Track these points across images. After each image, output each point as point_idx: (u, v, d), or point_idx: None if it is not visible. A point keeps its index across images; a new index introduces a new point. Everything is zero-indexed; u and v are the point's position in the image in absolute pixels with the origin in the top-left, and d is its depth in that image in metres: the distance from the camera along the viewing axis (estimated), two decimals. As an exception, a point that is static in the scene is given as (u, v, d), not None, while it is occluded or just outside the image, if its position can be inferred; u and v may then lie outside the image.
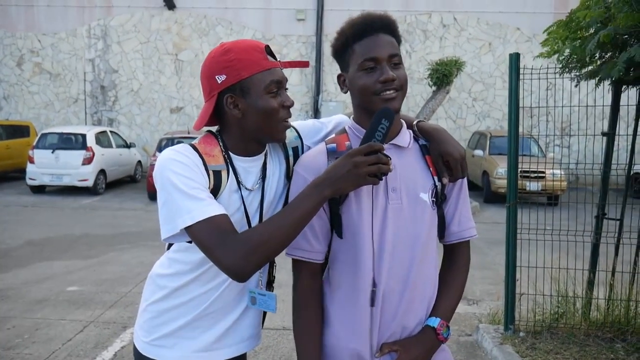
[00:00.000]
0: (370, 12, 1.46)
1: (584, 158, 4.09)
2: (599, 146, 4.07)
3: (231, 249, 1.32)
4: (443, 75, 10.39)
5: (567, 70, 3.89)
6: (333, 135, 1.56)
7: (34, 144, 12.28)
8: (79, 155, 11.92)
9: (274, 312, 1.58)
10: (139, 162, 14.47)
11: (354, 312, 1.45)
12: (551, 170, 9.73)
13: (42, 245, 7.38)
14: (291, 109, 1.52)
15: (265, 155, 1.57)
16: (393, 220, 1.44)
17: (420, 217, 1.46)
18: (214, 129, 1.56)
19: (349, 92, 1.50)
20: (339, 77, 1.51)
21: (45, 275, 5.93)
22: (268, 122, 1.47)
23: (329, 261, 1.53)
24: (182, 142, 1.52)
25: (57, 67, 16.10)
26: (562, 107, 4.27)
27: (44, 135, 12.36)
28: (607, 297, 4.07)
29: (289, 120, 1.53)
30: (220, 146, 1.51)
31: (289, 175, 1.59)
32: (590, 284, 4.15)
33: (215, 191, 1.45)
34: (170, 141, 11.30)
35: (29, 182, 11.98)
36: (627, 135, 4.03)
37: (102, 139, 12.69)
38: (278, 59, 1.50)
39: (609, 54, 3.70)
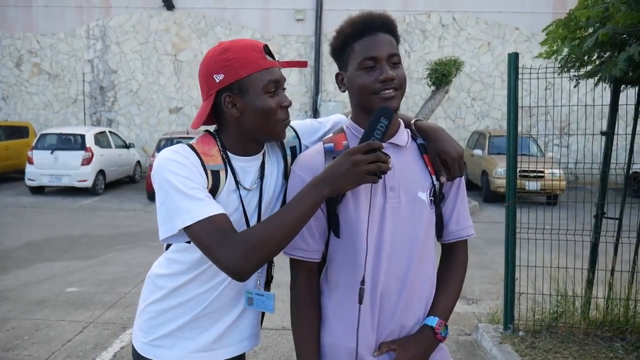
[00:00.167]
0: (370, 12, 1.46)
1: (583, 157, 4.10)
2: (598, 145, 4.07)
3: (231, 249, 1.32)
4: (442, 75, 10.39)
5: (565, 69, 3.89)
6: (331, 135, 1.55)
7: (33, 144, 12.28)
8: (78, 155, 11.91)
9: (272, 312, 1.58)
10: (138, 162, 14.47)
11: (353, 311, 1.44)
12: (550, 170, 9.74)
13: (41, 246, 7.38)
14: (290, 109, 1.52)
15: (264, 154, 1.57)
16: (391, 219, 1.44)
17: (418, 216, 1.47)
18: (212, 128, 1.56)
19: (347, 92, 1.50)
20: (337, 76, 1.51)
21: (44, 276, 5.93)
22: (266, 121, 1.47)
23: (327, 260, 1.53)
24: (181, 142, 1.51)
25: (56, 68, 16.09)
26: (561, 106, 4.27)
27: (43, 135, 12.35)
28: (606, 296, 4.07)
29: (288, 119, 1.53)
30: (218, 146, 1.50)
31: (287, 175, 1.59)
32: (590, 283, 4.16)
33: (213, 191, 1.45)
34: (170, 141, 11.29)
35: (28, 182, 11.98)
36: (626, 134, 4.03)
37: (101, 140, 12.68)
38: (276, 59, 1.50)
39: (607, 54, 3.70)
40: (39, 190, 12.21)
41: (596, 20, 3.41)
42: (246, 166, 1.53)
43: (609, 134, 3.99)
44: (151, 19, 15.87)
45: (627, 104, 4.02)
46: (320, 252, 1.50)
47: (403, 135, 1.51)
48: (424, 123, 1.58)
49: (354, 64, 1.43)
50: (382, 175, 1.35)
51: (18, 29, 16.03)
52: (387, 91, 1.40)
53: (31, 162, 11.87)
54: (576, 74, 3.92)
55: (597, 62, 3.81)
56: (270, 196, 1.56)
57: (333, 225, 1.46)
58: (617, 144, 4.25)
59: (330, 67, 15.36)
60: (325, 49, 14.67)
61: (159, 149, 11.57)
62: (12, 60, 16.13)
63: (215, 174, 1.46)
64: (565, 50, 3.76)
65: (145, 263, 6.31)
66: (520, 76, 3.94)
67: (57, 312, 4.84)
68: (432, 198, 1.50)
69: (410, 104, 15.10)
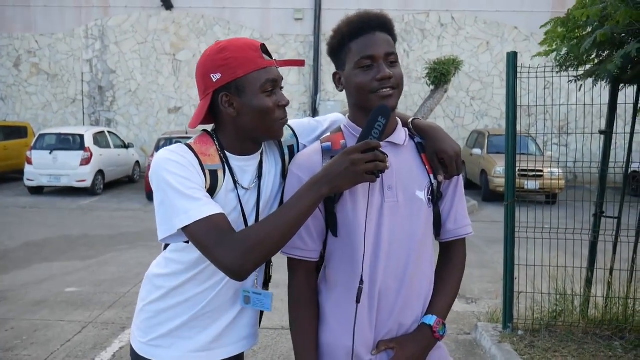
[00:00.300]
0: (367, 11, 1.46)
1: (581, 156, 4.10)
2: (596, 144, 4.08)
3: (229, 248, 1.32)
4: (441, 74, 10.38)
5: (564, 68, 3.89)
6: (328, 134, 1.55)
7: (32, 144, 12.26)
8: (77, 155, 11.90)
9: (270, 311, 1.58)
10: (137, 162, 14.46)
11: (351, 310, 1.44)
12: (549, 169, 9.75)
13: (40, 247, 7.37)
14: (289, 109, 1.52)
15: (261, 154, 1.57)
16: (389, 218, 1.44)
17: (416, 215, 1.47)
18: (210, 128, 1.56)
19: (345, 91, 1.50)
20: (334, 75, 1.51)
21: (43, 277, 5.92)
22: (263, 121, 1.46)
23: (325, 260, 1.53)
24: (180, 142, 1.51)
25: (55, 68, 16.07)
26: (560, 105, 4.27)
27: (42, 136, 12.34)
28: (605, 295, 4.07)
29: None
30: (216, 145, 1.50)
31: (284, 174, 1.59)
32: (589, 282, 4.16)
33: (212, 191, 1.45)
34: (168, 141, 11.28)
35: (27, 183, 11.96)
36: (624, 133, 4.04)
37: (100, 140, 12.67)
38: (274, 58, 1.50)
39: (606, 53, 3.70)
40: (38, 191, 12.21)
41: (595, 19, 3.41)
42: (244, 165, 1.52)
43: (608, 133, 3.99)
44: (150, 19, 15.86)
45: (625, 103, 4.02)
46: (318, 251, 1.50)
47: (401, 134, 1.51)
48: (422, 122, 1.58)
49: (351, 63, 1.42)
50: (380, 174, 1.35)
51: (17, 29, 16.02)
52: (384, 90, 1.40)
53: (30, 163, 11.86)
54: (575, 73, 3.92)
55: (596, 61, 3.81)
56: (269, 195, 1.56)
57: (331, 225, 1.46)
58: (616, 143, 4.26)
59: (329, 67, 15.36)
60: (324, 48, 14.58)
61: (157, 148, 11.54)
62: (11, 61, 16.11)
63: (213, 174, 1.46)
64: (564, 50, 3.76)
65: (144, 263, 6.30)
66: (519, 75, 3.94)
67: (56, 313, 4.83)
68: (430, 197, 1.50)
69: (410, 103, 15.10)
